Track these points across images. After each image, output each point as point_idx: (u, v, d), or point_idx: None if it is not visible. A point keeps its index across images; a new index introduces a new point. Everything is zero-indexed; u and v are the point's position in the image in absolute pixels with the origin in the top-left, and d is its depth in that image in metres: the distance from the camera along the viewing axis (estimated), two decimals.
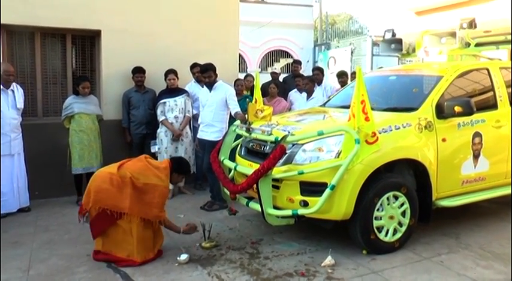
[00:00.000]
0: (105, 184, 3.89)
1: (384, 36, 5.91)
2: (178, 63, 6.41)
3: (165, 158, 5.61)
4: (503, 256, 4.08)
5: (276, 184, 4.06)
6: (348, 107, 4.08)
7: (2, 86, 5.23)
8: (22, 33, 6.11)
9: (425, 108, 4.40)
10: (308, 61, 19.25)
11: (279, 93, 7.06)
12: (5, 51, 5.91)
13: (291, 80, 8.05)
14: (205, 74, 5.54)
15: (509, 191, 4.90)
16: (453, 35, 5.34)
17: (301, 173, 3.85)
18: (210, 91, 5.62)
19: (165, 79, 6.24)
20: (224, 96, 5.55)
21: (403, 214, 4.15)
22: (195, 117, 6.33)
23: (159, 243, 4.09)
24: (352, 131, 3.79)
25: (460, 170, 4.55)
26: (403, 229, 4.16)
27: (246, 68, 20.05)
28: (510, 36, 5.44)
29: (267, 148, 4.27)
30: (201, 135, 5.76)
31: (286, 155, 4.01)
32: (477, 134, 4.63)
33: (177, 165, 4.28)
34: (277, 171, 3.99)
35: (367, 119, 3.79)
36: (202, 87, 5.96)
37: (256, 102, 4.86)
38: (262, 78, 5.64)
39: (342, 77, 7.62)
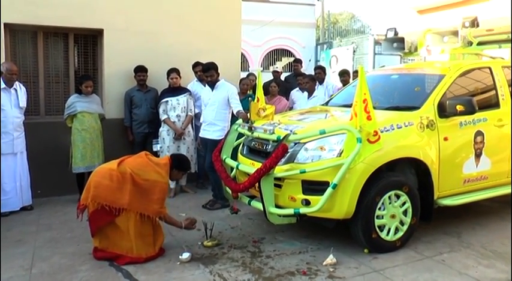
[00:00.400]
0: (105, 180, 3.90)
1: (386, 35, 5.92)
2: (180, 62, 6.42)
3: None
4: (505, 255, 4.08)
5: (278, 182, 4.06)
6: (350, 106, 4.08)
7: (5, 85, 5.24)
8: (25, 32, 6.13)
9: (427, 107, 4.40)
10: (310, 60, 19.23)
11: (280, 92, 7.06)
12: (8, 50, 5.93)
13: (292, 79, 8.06)
14: (207, 73, 5.55)
15: (511, 190, 4.90)
16: (455, 33, 5.34)
17: (303, 172, 3.86)
18: (212, 90, 5.63)
19: (168, 78, 6.25)
20: (226, 95, 5.55)
21: (405, 212, 4.15)
22: (197, 116, 6.35)
23: (159, 240, 4.09)
24: (354, 130, 3.79)
25: (461, 169, 4.54)
26: (405, 227, 4.16)
27: (248, 67, 20.03)
28: None
29: (269, 147, 4.27)
30: (203, 134, 5.77)
31: (288, 154, 4.02)
32: (479, 133, 4.63)
33: (177, 162, 4.29)
34: (279, 170, 4.00)
35: (369, 118, 3.79)
36: (205, 86, 5.96)
37: (258, 101, 4.87)
38: (264, 77, 5.65)
39: (344, 75, 7.62)
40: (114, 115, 6.38)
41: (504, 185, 4.92)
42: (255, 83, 6.21)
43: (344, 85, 6.97)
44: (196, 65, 6.53)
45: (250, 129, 4.55)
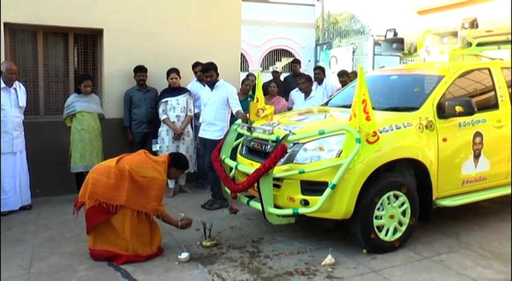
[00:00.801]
0: (103, 177, 3.90)
1: (385, 36, 5.91)
2: (180, 62, 6.42)
3: None
4: (504, 255, 4.09)
5: (277, 183, 4.06)
6: (349, 106, 4.08)
7: (4, 85, 5.24)
8: (25, 31, 6.13)
9: (427, 107, 4.40)
10: (310, 60, 19.24)
11: (279, 92, 7.07)
12: (8, 49, 5.93)
13: (292, 79, 8.06)
14: (207, 73, 5.55)
15: (510, 191, 4.90)
16: (455, 34, 5.34)
17: (302, 172, 3.86)
18: (212, 90, 5.64)
19: (167, 78, 6.25)
20: (226, 95, 5.56)
21: (404, 213, 4.15)
22: (197, 116, 6.35)
23: (157, 240, 4.08)
24: (353, 131, 3.79)
25: (460, 169, 4.55)
26: (404, 228, 4.17)
27: (248, 67, 20.04)
28: (511, 36, 5.44)
29: (268, 147, 4.28)
30: (202, 134, 5.77)
31: (287, 154, 4.02)
32: (478, 134, 4.64)
33: (176, 160, 4.30)
34: (278, 170, 4.01)
35: (368, 118, 3.79)
36: (204, 86, 5.97)
37: (257, 101, 4.88)
38: (264, 78, 5.65)
39: (343, 76, 7.61)
40: (113, 115, 6.39)
41: (503, 185, 4.93)
42: (255, 83, 6.22)
43: (343, 86, 6.97)
44: (195, 65, 6.54)
45: (249, 129, 4.56)
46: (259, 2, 19.83)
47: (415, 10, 12.65)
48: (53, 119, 6.17)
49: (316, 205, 3.78)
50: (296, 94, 7.10)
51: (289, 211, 3.95)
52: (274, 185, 4.04)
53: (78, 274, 3.69)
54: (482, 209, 5.41)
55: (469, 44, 5.43)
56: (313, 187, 3.90)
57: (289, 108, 6.82)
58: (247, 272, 3.73)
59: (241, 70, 7.67)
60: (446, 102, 4.39)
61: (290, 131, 4.11)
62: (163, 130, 6.18)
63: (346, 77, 7.56)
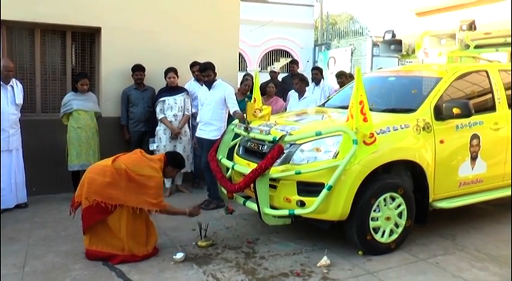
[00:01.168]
0: (99, 176, 3.89)
1: (384, 37, 5.91)
2: (178, 62, 6.41)
3: None
4: (499, 258, 4.09)
5: (273, 183, 4.06)
6: (346, 107, 4.08)
7: (1, 82, 5.22)
8: (22, 29, 6.11)
9: (424, 109, 4.40)
10: (308, 61, 19.27)
11: (277, 92, 7.06)
12: (5, 47, 5.91)
13: (290, 80, 8.05)
14: (204, 73, 5.54)
15: (506, 193, 4.91)
16: (453, 36, 5.34)
17: (298, 173, 3.85)
18: (209, 90, 5.62)
19: (165, 77, 6.24)
20: (223, 95, 5.54)
21: (400, 215, 4.15)
22: (194, 115, 6.34)
23: (152, 240, 4.08)
24: (350, 132, 3.79)
25: (457, 171, 4.55)
26: (400, 230, 4.16)
27: (246, 67, 20.04)
28: (510, 38, 5.45)
29: (265, 148, 4.27)
30: (199, 133, 5.76)
31: (284, 154, 4.01)
32: (475, 136, 4.64)
33: (172, 159, 4.30)
34: (275, 171, 3.99)
35: (365, 119, 3.79)
36: (202, 85, 5.96)
37: (255, 101, 4.87)
38: (262, 78, 5.64)
39: (341, 77, 7.61)
40: (110, 114, 6.37)
41: (499, 188, 4.93)
42: (252, 83, 6.21)
43: (341, 87, 6.97)
44: (193, 64, 6.53)
45: (246, 129, 4.55)
46: (257, 2, 19.82)
47: (414, 12, 12.68)
48: (49, 117, 6.16)
49: (312, 206, 3.77)
50: (294, 94, 7.09)
51: (285, 212, 3.94)
52: (271, 186, 4.04)
53: (72, 273, 3.67)
54: (478, 211, 5.41)
55: (467, 46, 5.44)
56: (309, 188, 3.89)
57: (285, 109, 6.81)
58: (242, 273, 3.72)
59: (239, 70, 7.66)
60: (444, 104, 4.39)
61: (287, 132, 4.10)
62: (160, 129, 6.16)
63: (344, 78, 7.57)
